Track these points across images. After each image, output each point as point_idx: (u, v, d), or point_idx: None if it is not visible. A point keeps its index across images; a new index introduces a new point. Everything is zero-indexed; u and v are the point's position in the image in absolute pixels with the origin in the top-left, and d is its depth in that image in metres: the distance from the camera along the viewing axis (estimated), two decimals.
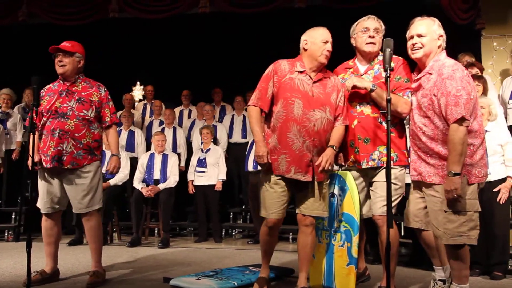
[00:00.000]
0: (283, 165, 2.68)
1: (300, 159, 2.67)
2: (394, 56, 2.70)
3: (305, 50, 2.76)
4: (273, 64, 2.79)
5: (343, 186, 2.83)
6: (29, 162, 3.09)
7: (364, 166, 2.76)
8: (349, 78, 2.77)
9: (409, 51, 2.57)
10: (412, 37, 2.54)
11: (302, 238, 2.79)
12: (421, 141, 2.52)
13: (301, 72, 2.73)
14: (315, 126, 2.66)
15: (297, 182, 2.72)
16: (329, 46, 2.71)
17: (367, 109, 2.74)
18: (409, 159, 2.73)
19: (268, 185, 2.74)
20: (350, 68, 2.88)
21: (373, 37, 2.74)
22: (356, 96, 2.77)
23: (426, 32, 2.51)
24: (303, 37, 2.79)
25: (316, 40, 2.71)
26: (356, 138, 2.76)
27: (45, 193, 3.16)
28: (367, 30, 2.75)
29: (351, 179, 2.79)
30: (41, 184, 3.18)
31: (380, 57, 2.77)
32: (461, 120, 2.32)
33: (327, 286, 2.86)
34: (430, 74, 2.49)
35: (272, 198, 2.72)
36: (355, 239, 2.76)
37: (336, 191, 2.87)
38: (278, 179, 2.71)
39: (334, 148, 2.70)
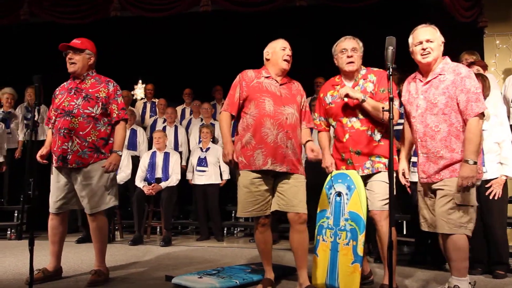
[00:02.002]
0: (260, 159, 2.77)
1: (275, 150, 2.77)
2: (376, 69, 2.94)
3: (268, 60, 2.96)
4: (240, 73, 2.97)
5: (350, 185, 2.85)
6: (38, 154, 3.14)
7: (360, 174, 2.89)
8: (343, 87, 2.89)
9: (418, 56, 2.66)
10: (420, 43, 2.63)
11: (296, 237, 2.83)
12: (434, 140, 2.61)
13: (267, 77, 2.91)
14: (287, 119, 2.82)
15: (276, 179, 2.81)
16: (288, 52, 2.91)
17: (356, 124, 2.89)
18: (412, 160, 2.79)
19: (243, 185, 2.83)
20: (337, 85, 3.01)
21: (351, 56, 2.90)
22: (346, 111, 2.91)
23: (433, 38, 2.63)
24: (265, 50, 2.99)
25: (276, 49, 2.92)
26: (348, 151, 2.90)
27: (54, 192, 3.17)
28: (345, 51, 2.91)
29: (358, 178, 2.85)
30: (52, 183, 3.20)
31: (363, 71, 2.97)
32: (482, 115, 2.52)
33: (330, 284, 2.85)
34: (442, 75, 2.61)
35: (246, 198, 2.81)
36: (361, 238, 2.76)
37: (342, 189, 2.89)
38: (253, 179, 2.79)
39: (312, 139, 2.94)
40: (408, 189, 3.00)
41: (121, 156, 3.20)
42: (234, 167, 2.89)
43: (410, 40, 2.71)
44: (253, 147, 2.80)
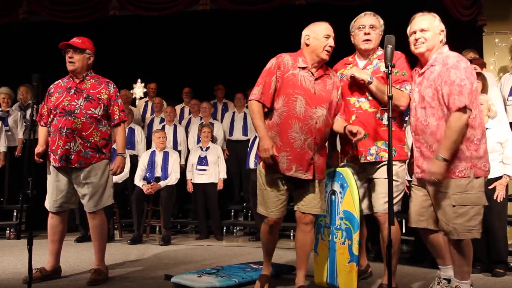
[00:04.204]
0: (284, 163, 2.64)
1: (301, 157, 2.64)
2: (394, 51, 2.69)
3: (307, 45, 2.71)
4: (276, 58, 2.73)
5: (343, 183, 2.82)
6: (36, 152, 3.13)
7: (362, 160, 2.75)
8: (351, 69, 2.76)
9: (412, 46, 2.57)
10: (414, 32, 2.54)
11: (301, 237, 2.76)
12: (425, 134, 2.51)
13: (303, 68, 2.69)
14: (317, 123, 2.64)
15: (297, 180, 2.69)
16: (331, 41, 2.67)
17: (365, 104, 2.73)
18: (407, 153, 2.75)
19: (266, 184, 2.71)
20: (349, 64, 2.86)
21: (368, 33, 2.74)
22: (355, 91, 2.76)
23: (429, 27, 2.52)
24: (304, 32, 2.74)
25: (318, 36, 2.67)
26: None
27: (53, 191, 3.16)
28: (363, 28, 2.76)
29: (351, 175, 2.78)
30: (50, 182, 3.19)
31: (379, 52, 2.80)
32: (464, 109, 2.33)
33: (331, 283, 2.86)
34: (434, 66, 2.50)
35: (270, 197, 2.70)
36: (355, 237, 2.75)
37: (336, 188, 2.87)
38: (275, 178, 2.68)
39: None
40: (406, 189, 2.98)
41: (125, 158, 3.25)
42: (267, 167, 2.67)
43: (408, 29, 2.62)
44: (279, 149, 2.63)
